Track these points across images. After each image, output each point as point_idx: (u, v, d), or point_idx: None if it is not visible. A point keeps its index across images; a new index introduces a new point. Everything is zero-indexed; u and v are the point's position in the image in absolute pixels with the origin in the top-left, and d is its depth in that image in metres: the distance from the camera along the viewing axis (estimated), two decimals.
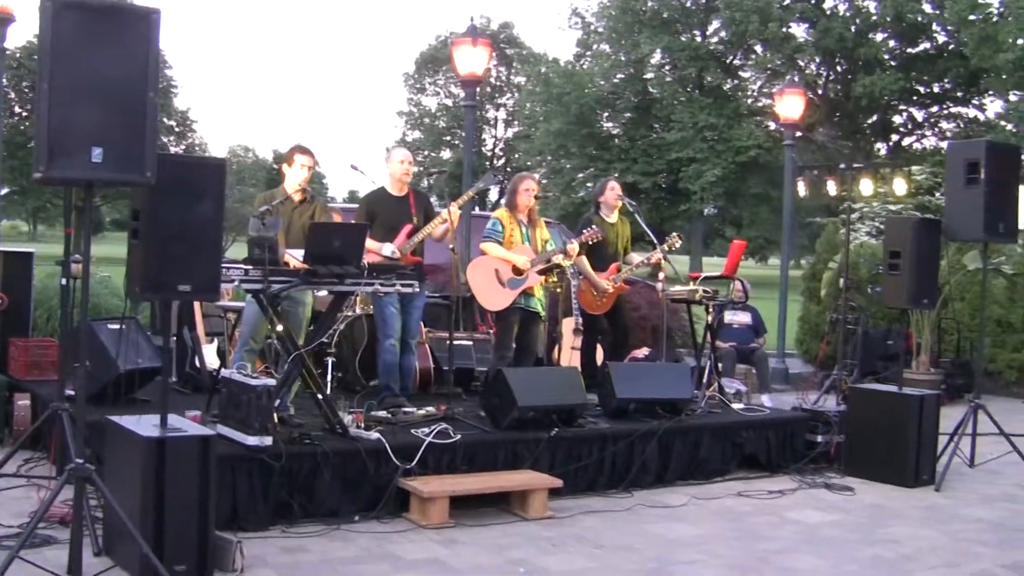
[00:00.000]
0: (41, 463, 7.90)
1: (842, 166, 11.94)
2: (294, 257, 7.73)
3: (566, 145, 51.65)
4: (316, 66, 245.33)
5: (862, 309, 14.13)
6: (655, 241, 10.66)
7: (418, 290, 8.23)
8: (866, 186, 11.39)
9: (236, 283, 7.18)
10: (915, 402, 9.34)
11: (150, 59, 5.51)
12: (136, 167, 5.44)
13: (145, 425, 5.95)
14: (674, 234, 10.85)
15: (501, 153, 71.96)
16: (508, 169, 65.50)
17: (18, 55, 55.56)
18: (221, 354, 10.02)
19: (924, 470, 9.28)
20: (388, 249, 9.14)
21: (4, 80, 12.54)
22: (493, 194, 50.99)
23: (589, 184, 49.40)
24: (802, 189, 12.04)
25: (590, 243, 10.07)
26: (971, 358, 15.16)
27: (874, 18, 46.85)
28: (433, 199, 10.18)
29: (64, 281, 6.90)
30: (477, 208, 9.25)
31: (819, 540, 7.40)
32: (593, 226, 10.21)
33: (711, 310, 10.30)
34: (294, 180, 8.75)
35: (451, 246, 9.33)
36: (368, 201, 9.66)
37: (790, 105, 15.54)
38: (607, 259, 10.64)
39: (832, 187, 11.70)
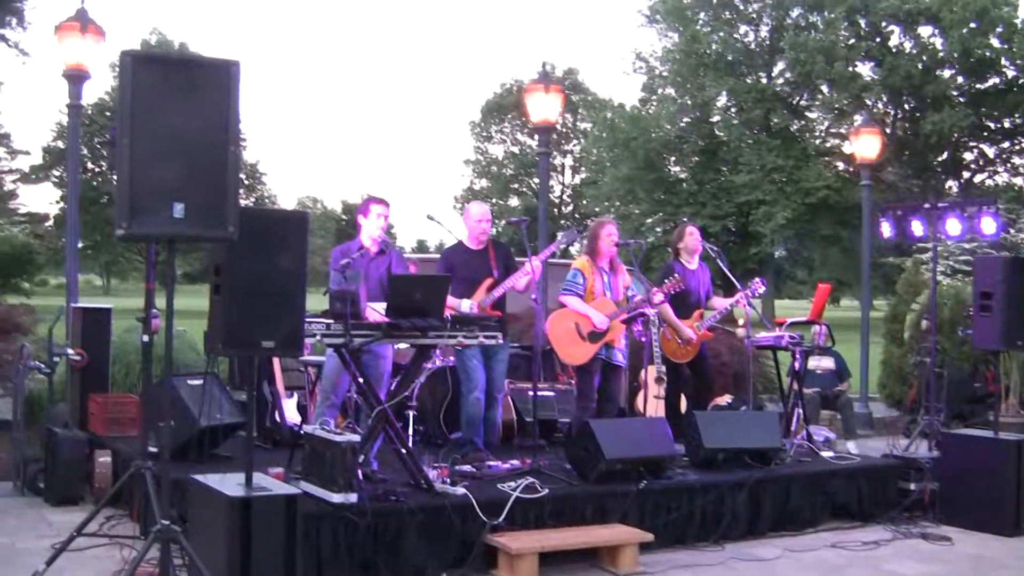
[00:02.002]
0: (122, 521, 7.86)
1: (927, 205, 11.62)
2: (375, 310, 7.63)
3: (634, 190, 51.51)
4: (382, 116, 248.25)
5: (945, 351, 13.80)
6: (738, 286, 10.45)
7: (502, 341, 8.09)
8: (953, 226, 11.07)
9: (318, 337, 7.09)
10: (1013, 448, 9.04)
11: (231, 112, 5.45)
12: (218, 222, 5.38)
13: (230, 484, 5.87)
14: (756, 280, 10.61)
15: (568, 200, 72.08)
16: (576, 216, 65.50)
17: (90, 111, 56.78)
18: (301, 409, 9.93)
19: None
20: (466, 305, 8.98)
21: (78, 136, 12.67)
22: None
23: (658, 229, 49.23)
24: (887, 230, 11.72)
25: (673, 292, 9.88)
26: None
27: (941, 54, 46.44)
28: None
29: (145, 338, 6.84)
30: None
31: None
32: (675, 275, 10.02)
33: (797, 356, 10.06)
34: (371, 231, 8.65)
35: (533, 296, 9.18)
36: (447, 255, 9.54)
37: (865, 144, 15.32)
38: (690, 306, 10.44)
39: (917, 228, 11.39)
